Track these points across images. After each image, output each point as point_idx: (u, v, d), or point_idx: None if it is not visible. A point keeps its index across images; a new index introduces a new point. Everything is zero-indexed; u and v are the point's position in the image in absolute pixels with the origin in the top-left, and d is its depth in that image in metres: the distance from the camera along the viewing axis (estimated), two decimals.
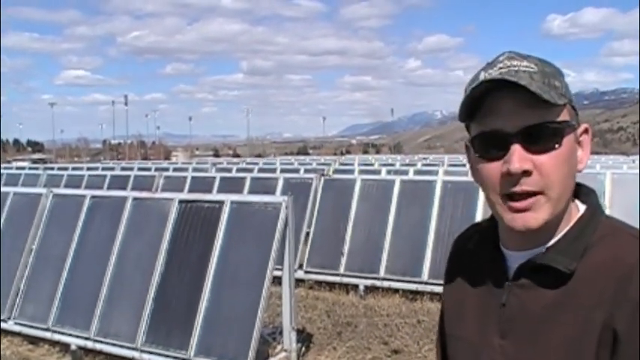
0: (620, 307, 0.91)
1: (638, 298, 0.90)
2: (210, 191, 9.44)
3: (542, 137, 0.96)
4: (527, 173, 0.96)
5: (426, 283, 7.08)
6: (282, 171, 14.31)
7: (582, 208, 1.05)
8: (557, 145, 0.97)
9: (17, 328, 5.94)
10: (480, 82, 0.98)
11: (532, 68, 0.97)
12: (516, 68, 0.97)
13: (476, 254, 1.13)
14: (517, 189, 0.96)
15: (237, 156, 68.45)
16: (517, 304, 1.02)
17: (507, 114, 0.97)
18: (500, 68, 0.98)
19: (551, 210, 0.97)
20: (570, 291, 0.97)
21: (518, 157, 0.95)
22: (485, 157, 1.00)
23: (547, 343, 0.97)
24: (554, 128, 0.97)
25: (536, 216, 0.97)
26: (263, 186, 9.42)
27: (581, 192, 1.07)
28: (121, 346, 5.22)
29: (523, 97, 0.94)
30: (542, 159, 0.96)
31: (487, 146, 0.99)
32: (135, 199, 5.84)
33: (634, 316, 0.90)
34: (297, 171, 15.30)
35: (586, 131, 1.04)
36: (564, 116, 0.99)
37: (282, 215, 5.00)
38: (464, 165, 14.76)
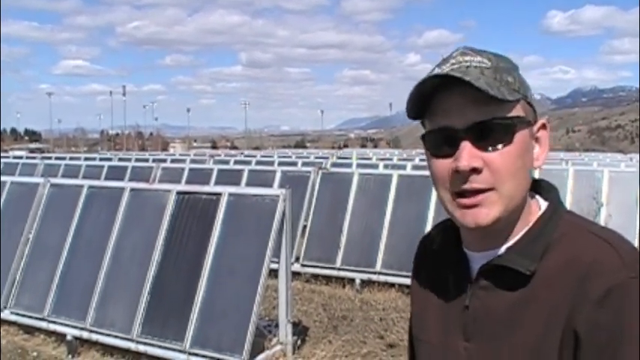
0: (579, 307, 0.89)
1: (596, 299, 0.88)
2: (207, 183, 9.43)
3: (491, 133, 0.94)
4: (476, 171, 0.94)
5: None
6: (280, 164, 14.27)
7: (544, 205, 1.03)
8: (507, 142, 0.94)
9: (13, 318, 5.94)
10: (425, 78, 0.95)
11: (484, 64, 0.95)
12: (467, 64, 0.95)
13: (440, 255, 1.11)
14: (467, 186, 0.95)
15: (235, 148, 68.49)
16: (480, 306, 1.00)
17: (456, 110, 0.95)
18: (452, 64, 0.95)
19: (502, 207, 0.95)
20: (531, 292, 0.95)
21: (467, 154, 0.93)
22: (437, 154, 0.99)
23: (510, 345, 0.95)
24: (504, 124, 0.94)
25: (487, 212, 0.95)
26: (261, 179, 9.41)
27: (542, 188, 1.05)
28: (117, 337, 5.22)
29: (472, 93, 0.91)
30: (493, 156, 0.94)
31: (438, 143, 0.98)
32: (132, 189, 5.83)
33: (594, 317, 0.88)
34: (294, 164, 15.24)
35: (543, 127, 1.02)
36: (517, 112, 0.96)
37: (279, 208, 5.00)
38: None
